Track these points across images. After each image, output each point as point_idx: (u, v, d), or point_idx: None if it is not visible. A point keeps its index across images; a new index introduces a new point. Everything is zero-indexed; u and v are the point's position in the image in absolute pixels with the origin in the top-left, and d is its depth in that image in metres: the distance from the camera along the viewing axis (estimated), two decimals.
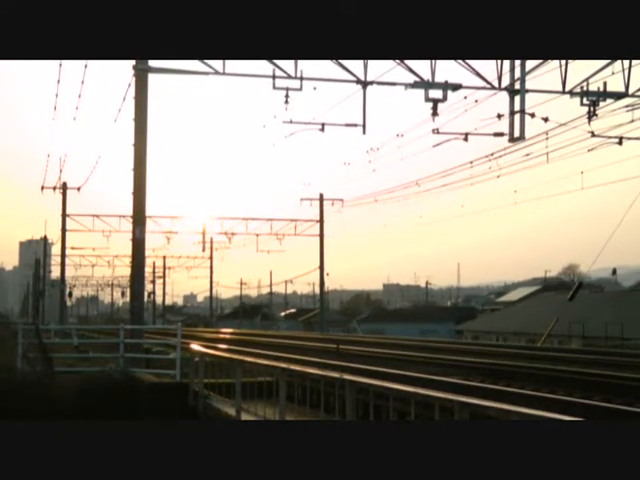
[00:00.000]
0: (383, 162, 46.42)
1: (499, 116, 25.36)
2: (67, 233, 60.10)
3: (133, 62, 25.42)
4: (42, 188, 57.23)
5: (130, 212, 26.93)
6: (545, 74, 25.28)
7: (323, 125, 26.66)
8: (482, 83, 25.46)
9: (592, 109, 25.52)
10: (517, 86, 24.86)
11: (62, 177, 55.98)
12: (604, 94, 25.33)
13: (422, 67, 24.87)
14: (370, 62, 25.41)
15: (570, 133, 27.22)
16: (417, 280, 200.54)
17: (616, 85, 25.15)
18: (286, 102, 24.79)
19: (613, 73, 24.71)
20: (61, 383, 21.09)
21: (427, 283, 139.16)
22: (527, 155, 30.10)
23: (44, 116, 69.65)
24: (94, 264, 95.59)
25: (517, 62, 24.76)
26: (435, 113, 24.93)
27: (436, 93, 24.83)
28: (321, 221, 63.52)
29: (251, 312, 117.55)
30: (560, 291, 73.12)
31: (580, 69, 25.16)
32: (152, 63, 25.48)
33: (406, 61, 24.50)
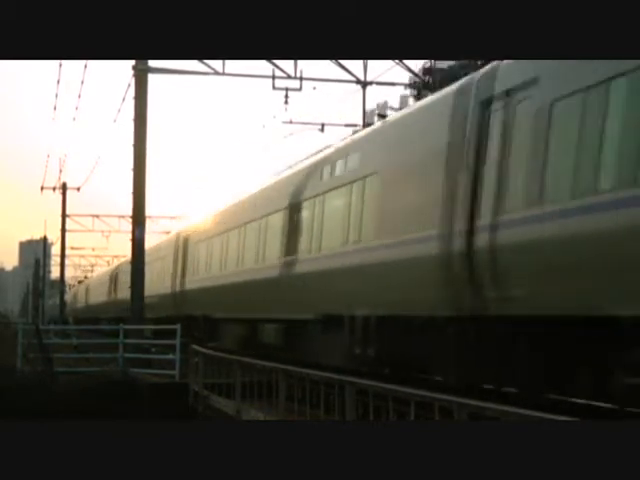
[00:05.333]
0: None
1: None
2: (67, 233, 60.03)
3: (133, 62, 25.40)
4: (42, 188, 57.14)
5: (130, 212, 26.89)
6: None
7: (323, 125, 26.69)
8: None
9: None
10: None
11: (62, 177, 55.85)
12: None
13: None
14: (370, 62, 25.42)
15: None
16: None
17: None
18: (286, 102, 24.80)
19: None
20: (61, 383, 21.09)
21: None
22: None
23: (44, 116, 69.71)
24: (94, 264, 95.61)
25: None
26: None
27: None
28: None
29: None
30: None
31: None
32: (152, 63, 25.46)
33: (406, 61, 24.50)
